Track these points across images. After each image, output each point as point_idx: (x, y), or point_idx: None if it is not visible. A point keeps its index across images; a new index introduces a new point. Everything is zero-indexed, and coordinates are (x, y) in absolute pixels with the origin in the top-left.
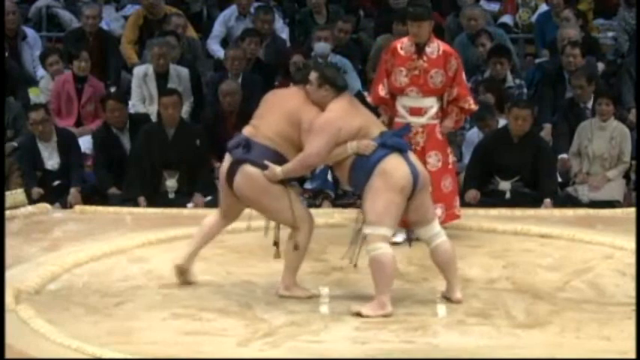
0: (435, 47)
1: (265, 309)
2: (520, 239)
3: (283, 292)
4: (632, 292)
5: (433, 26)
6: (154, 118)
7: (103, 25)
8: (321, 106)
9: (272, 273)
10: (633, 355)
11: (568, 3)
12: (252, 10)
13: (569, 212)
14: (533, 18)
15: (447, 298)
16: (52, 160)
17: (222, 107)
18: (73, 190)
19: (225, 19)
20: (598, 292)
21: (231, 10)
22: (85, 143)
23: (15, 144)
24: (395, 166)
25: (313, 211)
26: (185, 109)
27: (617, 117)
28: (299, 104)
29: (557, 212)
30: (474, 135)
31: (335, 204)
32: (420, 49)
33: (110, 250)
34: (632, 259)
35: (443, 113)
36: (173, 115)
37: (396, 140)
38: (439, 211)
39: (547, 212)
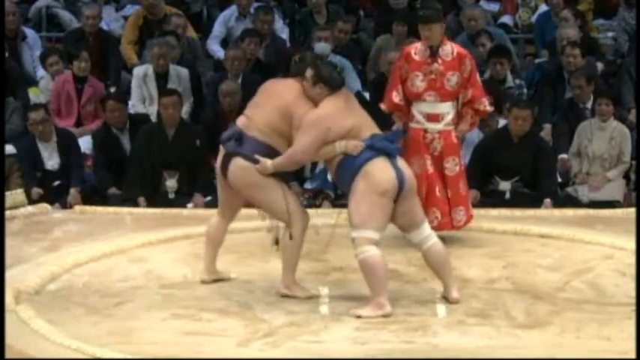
0: (449, 49)
1: (265, 309)
2: (520, 239)
3: (284, 290)
4: (632, 293)
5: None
6: (153, 118)
7: (103, 26)
8: (317, 102)
9: (272, 273)
10: (633, 355)
11: (568, 3)
12: (252, 10)
13: (569, 212)
14: (533, 18)
15: (446, 299)
16: (51, 161)
17: (222, 107)
18: (72, 191)
19: (225, 20)
20: (598, 293)
21: (231, 11)
22: (85, 143)
23: (13, 149)
24: (380, 169)
25: (313, 211)
26: (185, 110)
27: (617, 117)
28: (293, 98)
29: (557, 212)
30: (474, 135)
31: (335, 204)
32: (434, 52)
33: (110, 251)
34: (632, 260)
35: (458, 117)
36: (173, 116)
37: (385, 144)
38: (460, 214)
39: (547, 212)
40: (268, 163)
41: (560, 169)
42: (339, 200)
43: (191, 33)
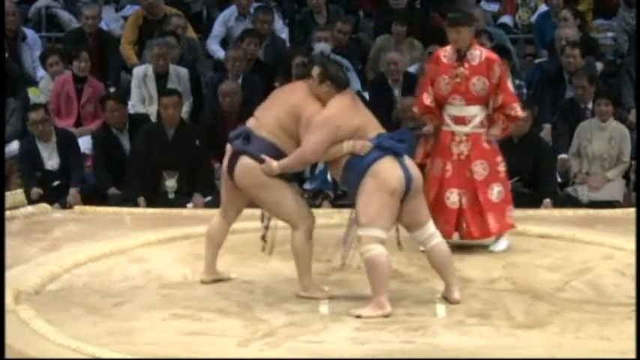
0: (477, 54)
1: (265, 309)
2: (520, 239)
3: (302, 293)
4: (632, 293)
5: (473, 32)
6: (153, 118)
7: (103, 26)
8: (323, 102)
9: (272, 273)
10: (633, 356)
11: (567, 3)
12: (251, 10)
13: (569, 212)
14: (533, 18)
15: (447, 299)
16: (51, 161)
17: (222, 108)
18: (72, 191)
19: (225, 20)
20: (598, 293)
21: (231, 11)
22: (85, 143)
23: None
24: (388, 169)
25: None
26: (185, 110)
27: (617, 117)
28: (301, 98)
29: (557, 212)
30: None
31: (335, 204)
32: (461, 56)
33: (110, 251)
34: (632, 260)
35: (489, 121)
36: (173, 116)
37: (392, 143)
38: (490, 222)
39: (547, 212)
40: (274, 164)
41: (560, 169)
42: (339, 200)
43: (191, 33)
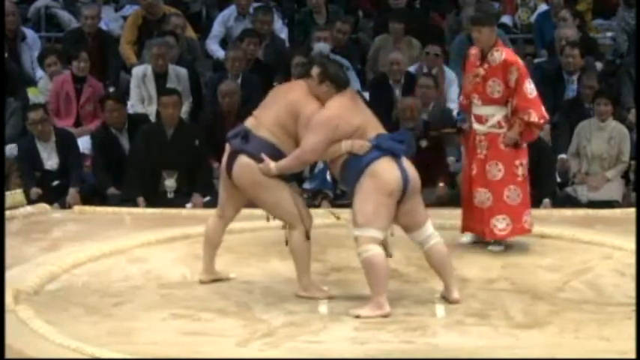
0: (498, 55)
1: (264, 309)
2: (520, 239)
3: (302, 293)
4: (632, 293)
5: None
6: (152, 118)
7: (102, 26)
8: (323, 102)
9: (271, 273)
10: (633, 356)
11: (567, 3)
12: (251, 10)
13: (569, 212)
14: (533, 18)
15: (446, 299)
16: (51, 161)
17: (222, 108)
18: (72, 191)
19: (225, 20)
20: (597, 293)
21: (231, 11)
22: (84, 143)
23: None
24: (385, 169)
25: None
26: (184, 110)
27: (617, 117)
28: (300, 97)
29: (557, 212)
30: None
31: (334, 204)
32: (483, 56)
33: (109, 251)
34: (632, 260)
35: (508, 123)
36: (173, 115)
37: (391, 144)
38: (503, 224)
39: (546, 212)
40: (272, 165)
41: (560, 169)
42: (338, 200)
43: (190, 33)
